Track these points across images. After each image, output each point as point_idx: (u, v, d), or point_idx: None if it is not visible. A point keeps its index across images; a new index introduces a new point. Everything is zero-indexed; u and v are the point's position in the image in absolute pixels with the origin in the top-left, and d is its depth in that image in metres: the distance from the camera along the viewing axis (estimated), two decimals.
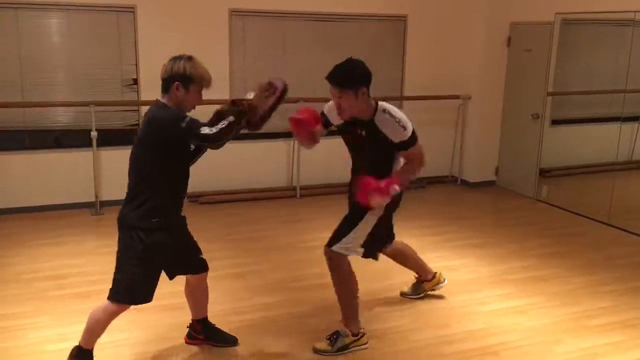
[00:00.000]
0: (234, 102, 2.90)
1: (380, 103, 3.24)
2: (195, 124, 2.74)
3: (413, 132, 3.22)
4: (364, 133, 3.24)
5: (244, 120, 2.85)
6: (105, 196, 5.90)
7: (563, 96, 6.75)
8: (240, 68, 6.31)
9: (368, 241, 3.39)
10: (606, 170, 6.16)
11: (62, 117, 5.92)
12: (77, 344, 3.01)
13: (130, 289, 2.90)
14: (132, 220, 2.90)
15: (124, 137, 6.08)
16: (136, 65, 5.92)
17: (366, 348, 3.42)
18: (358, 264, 4.65)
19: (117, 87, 5.98)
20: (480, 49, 6.96)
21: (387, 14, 6.82)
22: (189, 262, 3.19)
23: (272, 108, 2.93)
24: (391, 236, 3.76)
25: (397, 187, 3.11)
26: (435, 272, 4.08)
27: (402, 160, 3.37)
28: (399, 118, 3.18)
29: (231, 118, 2.78)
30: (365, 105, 3.17)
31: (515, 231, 5.62)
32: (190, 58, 2.86)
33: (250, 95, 2.93)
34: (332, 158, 6.70)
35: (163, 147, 2.79)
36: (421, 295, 4.07)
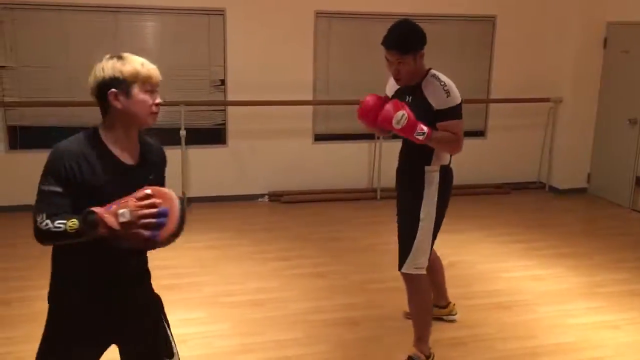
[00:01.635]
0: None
1: (433, 70, 3.04)
2: (41, 198, 1.87)
3: (458, 106, 2.95)
4: (409, 99, 3.00)
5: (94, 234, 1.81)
6: (194, 192, 6.12)
7: None
8: (324, 69, 6.37)
9: (432, 247, 3.19)
10: None
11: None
12: None
13: None
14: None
15: (211, 135, 6.29)
16: (224, 66, 6.09)
17: None
18: None
19: (206, 87, 6.18)
20: (573, 50, 6.66)
21: (475, 14, 6.66)
22: None
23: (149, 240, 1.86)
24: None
25: (424, 129, 2.85)
26: (450, 302, 3.75)
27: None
28: (445, 83, 2.94)
29: (73, 224, 1.79)
30: (420, 68, 2.99)
31: (607, 242, 5.33)
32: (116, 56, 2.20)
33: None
34: None
35: None
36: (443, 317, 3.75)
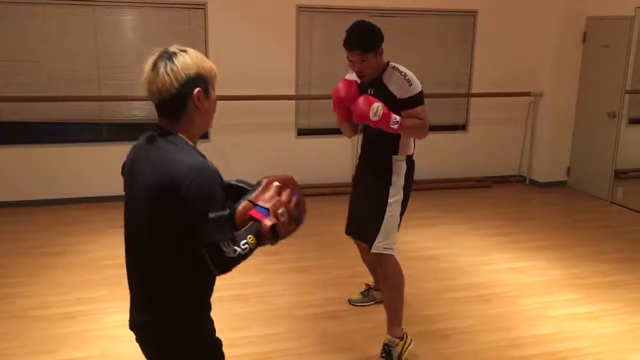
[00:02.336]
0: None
1: (392, 62, 3.18)
2: (218, 228, 1.70)
3: (420, 93, 3.12)
4: (372, 92, 3.13)
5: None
6: None
7: None
8: (306, 64, 6.36)
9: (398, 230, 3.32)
10: None
11: (136, 111, 6.14)
12: None
13: None
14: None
15: None
16: None
17: (412, 344, 3.32)
18: (420, 262, 4.63)
19: None
20: (553, 45, 6.73)
21: (456, 9, 6.69)
22: None
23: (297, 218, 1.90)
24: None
25: (397, 118, 2.98)
26: None
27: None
28: (405, 73, 3.11)
29: (251, 240, 1.73)
30: (381, 63, 3.15)
31: (587, 234, 5.41)
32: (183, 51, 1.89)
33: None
34: None
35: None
36: (371, 302, 3.88)
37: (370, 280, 3.98)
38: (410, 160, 3.28)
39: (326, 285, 4.22)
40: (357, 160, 3.53)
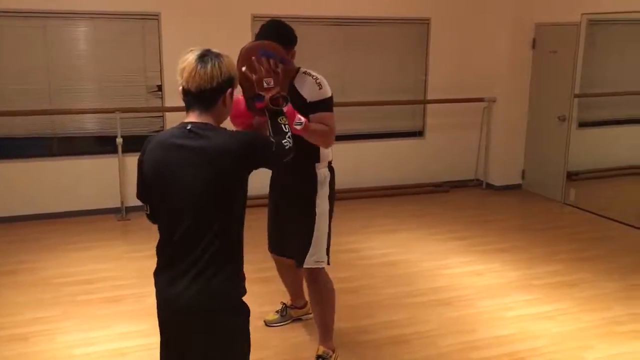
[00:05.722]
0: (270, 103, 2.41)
1: (303, 68, 3.06)
2: (275, 139, 2.19)
3: (330, 98, 2.99)
4: None
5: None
6: (131, 202, 5.97)
7: (590, 98, 6.64)
8: None
9: (328, 246, 3.19)
10: (636, 173, 6.05)
11: (88, 124, 6.01)
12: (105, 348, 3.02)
13: None
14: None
15: None
16: (160, 71, 5.98)
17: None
18: (380, 269, 4.65)
19: (142, 93, 6.05)
20: (504, 51, 6.89)
21: (409, 17, 6.79)
22: None
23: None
24: None
25: (302, 119, 2.71)
26: (307, 301, 3.67)
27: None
28: (317, 77, 3.00)
29: (284, 120, 2.35)
30: (293, 65, 2.97)
31: (542, 235, 5.54)
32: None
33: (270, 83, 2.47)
34: (360, 162, 6.71)
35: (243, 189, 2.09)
36: (288, 321, 3.75)
37: (286, 298, 3.83)
38: (331, 167, 3.18)
39: (286, 295, 4.19)
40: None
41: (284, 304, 3.80)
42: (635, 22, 6.05)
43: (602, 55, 6.39)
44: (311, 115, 2.92)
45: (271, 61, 2.52)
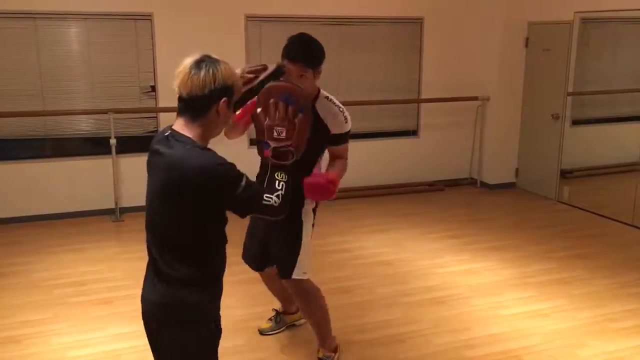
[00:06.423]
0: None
1: (322, 91, 2.93)
2: (252, 192, 1.97)
3: (350, 130, 2.95)
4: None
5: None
6: (125, 203, 5.95)
7: (583, 96, 6.66)
8: None
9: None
10: (629, 170, 6.06)
11: (82, 125, 5.98)
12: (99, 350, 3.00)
13: None
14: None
15: (142, 144, 6.12)
16: (154, 72, 5.97)
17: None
18: (374, 268, 4.65)
19: (135, 94, 6.03)
20: (498, 50, 6.90)
21: (403, 16, 6.79)
22: None
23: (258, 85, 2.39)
24: None
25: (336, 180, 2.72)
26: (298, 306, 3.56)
27: (326, 157, 3.03)
28: (342, 109, 2.91)
29: (284, 177, 2.06)
30: (314, 87, 2.87)
31: (536, 233, 5.55)
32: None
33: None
34: (354, 161, 6.69)
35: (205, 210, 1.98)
36: (282, 328, 3.67)
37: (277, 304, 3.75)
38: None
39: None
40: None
41: (276, 310, 3.70)
42: (628, 20, 6.07)
43: (595, 54, 6.41)
44: (332, 147, 2.93)
45: (290, 109, 2.20)
